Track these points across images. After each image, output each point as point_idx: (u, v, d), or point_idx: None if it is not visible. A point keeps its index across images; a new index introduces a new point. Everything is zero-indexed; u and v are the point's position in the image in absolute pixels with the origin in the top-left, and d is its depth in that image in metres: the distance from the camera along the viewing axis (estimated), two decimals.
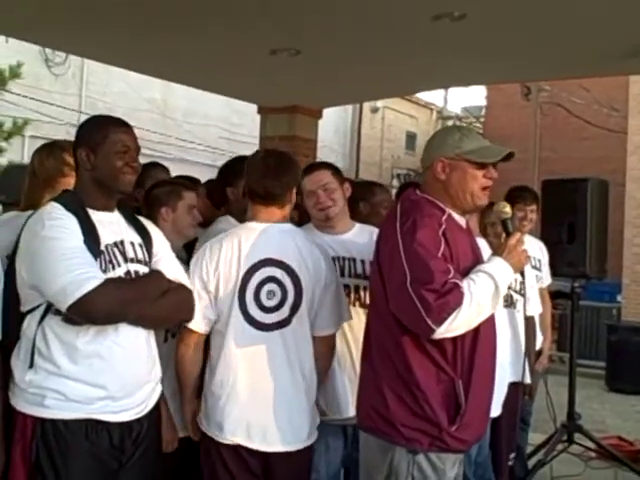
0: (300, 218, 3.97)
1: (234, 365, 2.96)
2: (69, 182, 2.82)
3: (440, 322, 2.47)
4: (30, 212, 2.68)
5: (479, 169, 2.72)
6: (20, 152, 12.81)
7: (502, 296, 2.69)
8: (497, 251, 2.74)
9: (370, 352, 2.81)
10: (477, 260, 2.75)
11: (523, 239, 2.78)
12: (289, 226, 3.15)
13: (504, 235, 2.84)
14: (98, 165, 2.58)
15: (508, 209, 2.90)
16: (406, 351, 2.61)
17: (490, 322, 2.75)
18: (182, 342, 3.02)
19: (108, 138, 2.59)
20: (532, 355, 4.49)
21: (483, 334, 2.68)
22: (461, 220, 2.81)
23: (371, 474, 2.77)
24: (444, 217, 2.68)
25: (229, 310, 2.96)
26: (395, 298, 2.60)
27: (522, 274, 2.86)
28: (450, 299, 2.48)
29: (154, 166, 4.11)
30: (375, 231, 3.50)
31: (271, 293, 3.00)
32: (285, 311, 3.00)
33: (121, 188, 2.63)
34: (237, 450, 2.95)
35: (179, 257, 2.98)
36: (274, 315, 2.99)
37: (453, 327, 2.50)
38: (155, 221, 3.12)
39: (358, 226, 3.61)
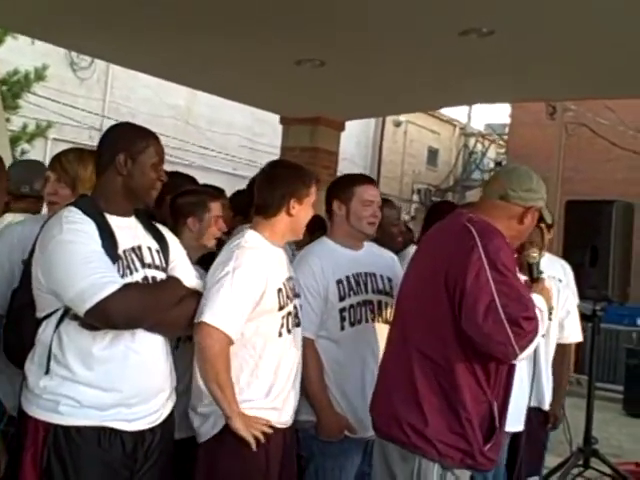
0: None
1: None
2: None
3: (524, 348, 2.58)
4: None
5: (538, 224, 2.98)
6: (43, 154, 12.88)
7: None
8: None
9: (410, 368, 2.78)
10: None
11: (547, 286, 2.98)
12: (249, 232, 3.06)
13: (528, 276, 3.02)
14: (134, 173, 2.57)
15: (536, 255, 3.07)
16: (457, 371, 2.67)
17: None
18: None
19: (149, 149, 2.60)
20: (563, 384, 4.45)
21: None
22: None
23: None
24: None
25: None
26: (476, 318, 2.59)
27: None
28: (534, 328, 2.61)
29: (182, 177, 3.98)
30: (381, 250, 3.68)
31: None
32: None
33: (147, 200, 2.66)
34: None
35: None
36: None
37: (526, 354, 2.63)
38: (180, 230, 3.14)
39: (366, 243, 3.62)
